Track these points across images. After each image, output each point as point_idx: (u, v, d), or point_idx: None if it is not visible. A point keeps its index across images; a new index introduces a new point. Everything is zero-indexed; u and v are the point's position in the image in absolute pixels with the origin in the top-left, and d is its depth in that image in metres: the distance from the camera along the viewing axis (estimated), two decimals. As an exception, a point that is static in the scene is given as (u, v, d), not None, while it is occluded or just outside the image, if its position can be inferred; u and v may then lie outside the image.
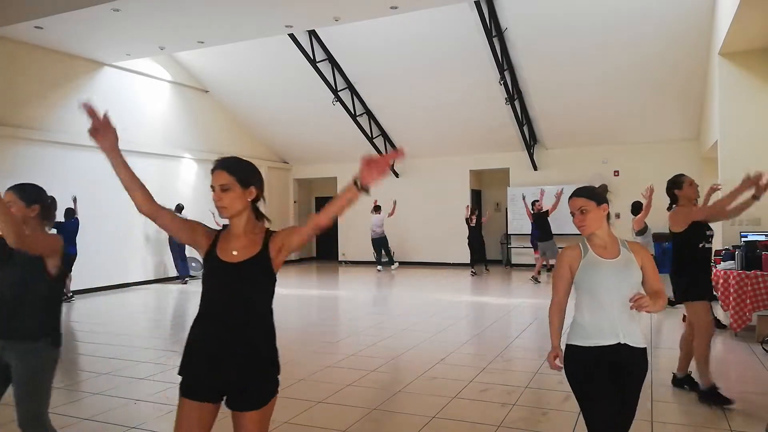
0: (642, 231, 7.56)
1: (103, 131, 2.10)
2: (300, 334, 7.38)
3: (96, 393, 4.72)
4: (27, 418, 2.68)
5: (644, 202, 7.09)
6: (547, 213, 11.59)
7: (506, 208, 14.61)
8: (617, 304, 2.43)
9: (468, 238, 13.37)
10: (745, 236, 6.64)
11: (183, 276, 12.31)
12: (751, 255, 6.11)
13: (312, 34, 11.73)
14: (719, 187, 5.71)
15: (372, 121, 14.19)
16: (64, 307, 9.46)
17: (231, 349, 2.03)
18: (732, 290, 5.99)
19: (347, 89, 13.14)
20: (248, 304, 2.08)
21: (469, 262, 13.80)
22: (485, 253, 13.81)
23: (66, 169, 10.57)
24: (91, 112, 2.05)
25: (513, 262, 14.54)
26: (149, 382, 5.06)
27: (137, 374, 5.28)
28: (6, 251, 2.61)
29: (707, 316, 4.20)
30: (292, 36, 11.25)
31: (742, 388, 4.35)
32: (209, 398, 2.05)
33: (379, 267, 14.41)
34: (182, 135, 13.50)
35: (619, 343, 2.43)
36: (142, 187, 2.20)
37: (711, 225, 4.37)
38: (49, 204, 3.03)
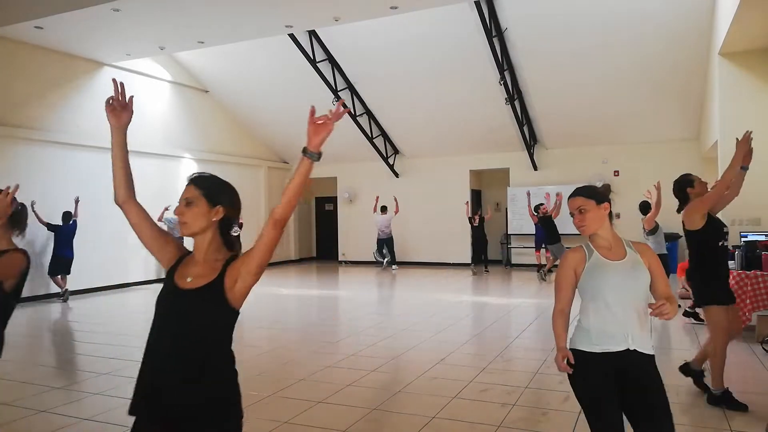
0: (653, 230, 7.49)
1: (120, 110, 2.11)
2: (300, 334, 7.38)
3: (96, 393, 4.72)
4: None
5: (651, 201, 7.09)
6: (551, 216, 11.63)
7: (506, 208, 14.61)
8: (626, 308, 2.32)
9: (471, 237, 13.46)
10: (745, 236, 6.64)
11: None
12: (751, 255, 6.11)
13: (312, 34, 11.73)
14: None
15: (372, 121, 14.19)
16: (62, 306, 9.51)
17: (172, 393, 1.79)
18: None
19: (347, 89, 13.14)
20: (194, 341, 1.79)
21: (469, 261, 13.82)
22: (487, 253, 13.82)
23: (66, 169, 10.58)
24: (119, 89, 2.08)
25: (513, 262, 14.54)
26: (149, 382, 5.05)
27: (137, 374, 5.27)
28: None
29: (725, 322, 4.10)
30: (292, 36, 11.25)
31: (742, 388, 4.34)
32: None
33: (382, 261, 14.49)
34: (182, 135, 13.50)
35: (628, 350, 2.31)
36: (130, 175, 2.11)
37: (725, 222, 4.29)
38: (19, 211, 2.83)
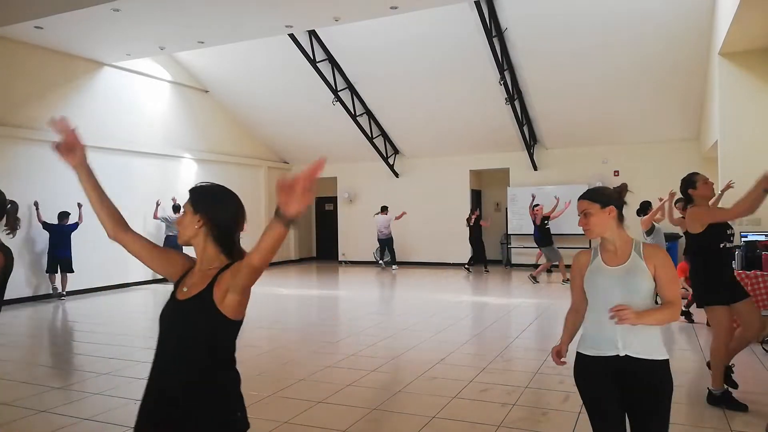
0: (650, 231, 7.53)
1: (71, 147, 1.99)
2: (300, 334, 7.38)
3: (96, 393, 4.72)
4: None
5: (660, 204, 7.06)
6: (546, 217, 11.63)
7: (506, 208, 14.61)
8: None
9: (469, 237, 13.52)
10: (745, 236, 6.64)
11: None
12: (751, 255, 6.11)
13: (312, 34, 11.73)
14: (733, 185, 5.70)
15: (372, 121, 14.19)
16: (60, 306, 9.51)
17: (173, 396, 1.78)
18: (732, 290, 5.98)
19: (347, 89, 13.14)
20: (186, 354, 1.78)
21: (471, 262, 13.83)
22: (484, 253, 13.81)
23: (66, 169, 10.50)
24: (63, 127, 1.95)
25: (513, 262, 14.54)
26: (149, 382, 5.05)
27: (137, 374, 5.27)
28: None
29: (727, 321, 4.10)
30: (292, 36, 11.25)
31: (742, 388, 4.34)
32: None
33: (381, 262, 14.50)
34: (182, 135, 13.50)
35: (618, 356, 2.31)
36: (112, 207, 2.03)
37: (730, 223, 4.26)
38: (8, 208, 2.78)
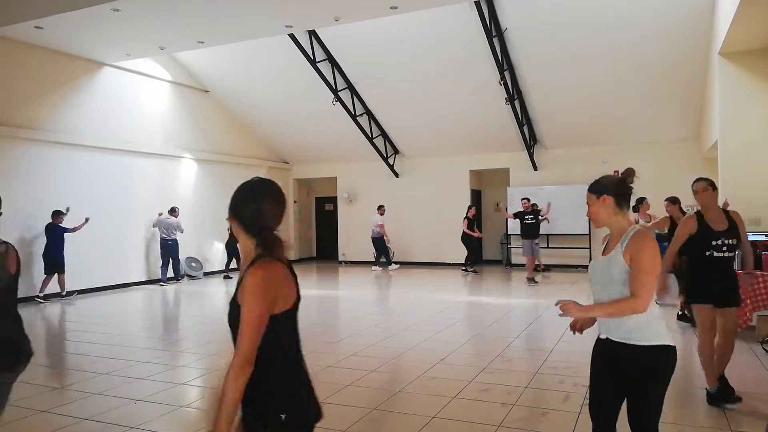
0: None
1: None
2: (300, 334, 7.37)
3: (96, 393, 4.72)
4: None
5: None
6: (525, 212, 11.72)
7: (506, 209, 14.58)
8: (598, 301, 2.54)
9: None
10: (745, 236, 6.63)
11: (163, 280, 12.07)
12: (751, 255, 6.09)
13: (312, 34, 11.73)
14: (726, 204, 5.70)
15: (372, 121, 14.19)
16: (60, 306, 9.51)
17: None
18: (732, 290, 5.98)
19: (347, 89, 13.14)
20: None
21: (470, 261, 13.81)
22: (471, 252, 13.68)
23: (66, 169, 10.58)
24: None
25: (513, 262, 14.53)
26: (149, 382, 5.06)
27: (137, 374, 5.28)
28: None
29: (708, 321, 4.17)
30: (292, 36, 11.25)
31: (742, 388, 4.34)
32: None
33: (373, 267, 14.45)
34: (182, 135, 13.50)
35: (608, 339, 2.49)
36: None
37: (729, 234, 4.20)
38: None
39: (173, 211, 12.13)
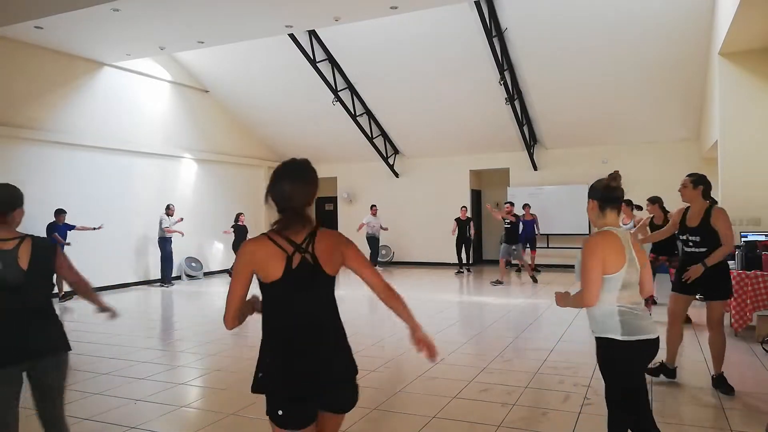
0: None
1: None
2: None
3: (96, 393, 4.72)
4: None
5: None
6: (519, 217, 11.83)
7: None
8: None
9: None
10: (745, 236, 6.64)
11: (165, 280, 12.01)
12: (751, 255, 6.11)
13: (312, 34, 11.73)
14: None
15: (372, 121, 14.19)
16: (60, 306, 9.52)
17: None
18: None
19: (347, 89, 13.14)
20: None
21: (470, 261, 13.81)
22: (469, 252, 13.63)
23: (66, 169, 10.58)
24: None
25: (513, 261, 14.51)
26: (149, 382, 5.06)
27: (137, 374, 5.28)
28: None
29: (672, 308, 4.68)
30: (292, 36, 11.25)
31: (742, 388, 4.35)
32: None
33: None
34: (182, 135, 13.50)
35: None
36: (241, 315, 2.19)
37: (692, 232, 4.45)
38: None
39: (168, 209, 11.98)
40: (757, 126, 7.30)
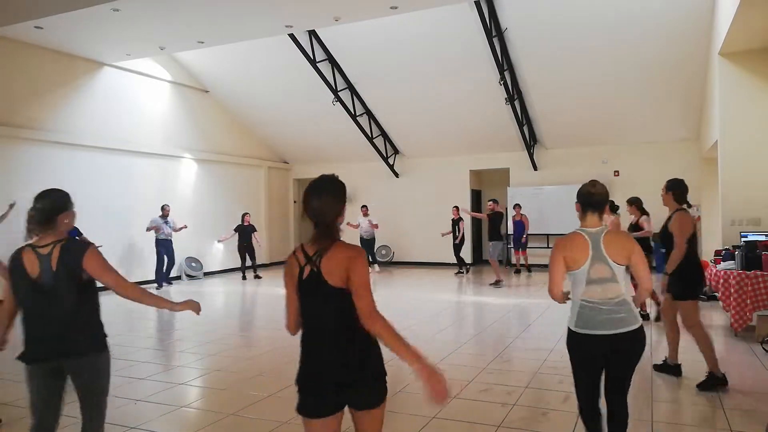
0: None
1: None
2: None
3: (96, 393, 4.71)
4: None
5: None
6: (500, 214, 11.71)
7: (506, 208, 14.59)
8: None
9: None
10: (745, 236, 6.64)
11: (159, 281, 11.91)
12: (751, 255, 6.11)
13: (312, 34, 11.73)
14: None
15: (372, 121, 14.19)
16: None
17: None
18: (732, 290, 5.99)
19: (347, 89, 13.14)
20: None
21: (470, 261, 13.80)
22: (456, 253, 13.50)
23: (66, 169, 10.58)
24: None
25: (512, 262, 14.53)
26: (149, 382, 5.06)
27: (137, 374, 5.28)
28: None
29: (663, 306, 5.04)
30: (292, 36, 11.25)
31: (742, 388, 4.35)
32: None
33: (375, 268, 14.43)
34: (182, 135, 13.50)
35: None
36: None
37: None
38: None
39: (163, 209, 11.89)
40: (757, 126, 7.30)
